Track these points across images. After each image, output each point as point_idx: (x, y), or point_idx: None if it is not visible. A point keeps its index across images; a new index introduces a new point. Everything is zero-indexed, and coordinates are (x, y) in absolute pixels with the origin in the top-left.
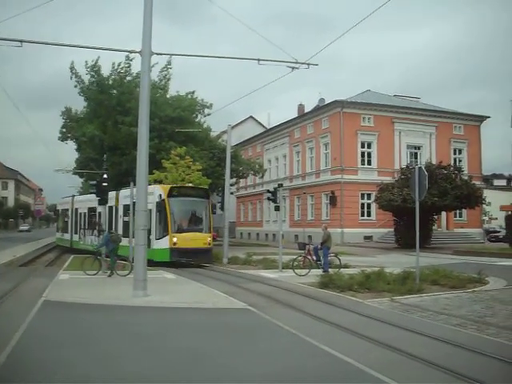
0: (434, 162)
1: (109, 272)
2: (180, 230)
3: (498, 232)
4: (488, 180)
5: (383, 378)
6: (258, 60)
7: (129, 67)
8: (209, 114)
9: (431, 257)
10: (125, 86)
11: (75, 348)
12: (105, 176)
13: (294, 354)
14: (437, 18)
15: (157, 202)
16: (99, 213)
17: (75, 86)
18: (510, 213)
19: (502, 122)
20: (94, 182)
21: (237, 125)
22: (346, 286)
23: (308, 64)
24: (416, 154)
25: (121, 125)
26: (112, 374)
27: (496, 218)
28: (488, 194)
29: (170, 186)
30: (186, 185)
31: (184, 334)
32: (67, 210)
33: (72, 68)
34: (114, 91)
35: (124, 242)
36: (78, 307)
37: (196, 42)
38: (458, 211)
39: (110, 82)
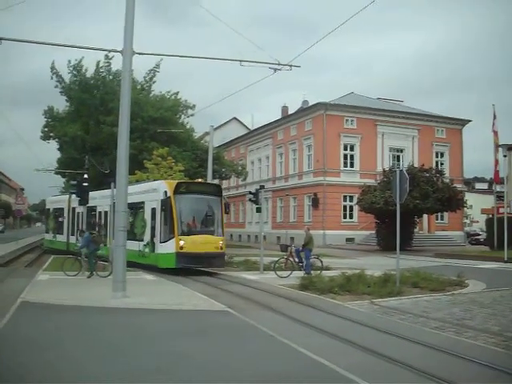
0: (416, 164)
1: (88, 273)
2: (188, 232)
3: (479, 235)
4: (469, 183)
5: (360, 382)
6: (240, 61)
7: (109, 66)
8: (192, 115)
9: (412, 259)
10: (108, 86)
11: (50, 350)
12: (85, 176)
13: (271, 357)
14: (420, 23)
15: (161, 200)
16: (99, 212)
17: (55, 87)
18: (490, 216)
19: (484, 126)
20: (75, 182)
21: (220, 126)
22: (327, 288)
23: (290, 65)
24: (398, 156)
25: (103, 125)
26: (86, 377)
27: (477, 221)
28: (469, 197)
29: (176, 181)
30: (196, 180)
31: (162, 337)
32: (62, 209)
33: (52, 68)
34: (97, 91)
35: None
36: (55, 308)
37: (181, 44)
38: (439, 214)
39: (93, 82)
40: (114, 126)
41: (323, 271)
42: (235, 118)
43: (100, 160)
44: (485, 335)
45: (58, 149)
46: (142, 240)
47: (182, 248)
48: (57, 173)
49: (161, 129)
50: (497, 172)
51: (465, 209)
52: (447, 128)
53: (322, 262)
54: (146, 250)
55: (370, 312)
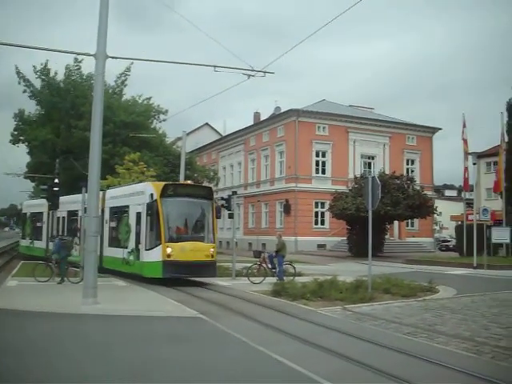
0: (387, 171)
1: (59, 279)
2: (176, 239)
3: (449, 241)
4: (439, 190)
5: None
6: (214, 67)
7: (78, 69)
8: (164, 120)
9: (383, 265)
10: (79, 90)
11: (16, 357)
12: (56, 181)
13: (246, 364)
14: (391, 32)
15: (147, 204)
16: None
17: (24, 92)
18: (460, 223)
19: (454, 134)
20: (45, 187)
21: (192, 131)
22: (299, 294)
23: (264, 72)
24: (370, 163)
25: (74, 129)
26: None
27: (447, 228)
28: (439, 204)
29: (163, 183)
30: (185, 182)
31: (133, 343)
32: (41, 213)
33: (18, 72)
34: (68, 95)
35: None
36: (24, 315)
37: (155, 49)
38: (409, 220)
39: (63, 85)
40: (85, 131)
41: (296, 277)
42: (207, 124)
43: (71, 165)
44: (456, 340)
45: (28, 153)
46: (127, 247)
47: (169, 256)
48: (26, 177)
49: (133, 133)
50: (466, 180)
51: (435, 215)
52: (418, 136)
53: (294, 268)
54: (131, 257)
55: (342, 318)
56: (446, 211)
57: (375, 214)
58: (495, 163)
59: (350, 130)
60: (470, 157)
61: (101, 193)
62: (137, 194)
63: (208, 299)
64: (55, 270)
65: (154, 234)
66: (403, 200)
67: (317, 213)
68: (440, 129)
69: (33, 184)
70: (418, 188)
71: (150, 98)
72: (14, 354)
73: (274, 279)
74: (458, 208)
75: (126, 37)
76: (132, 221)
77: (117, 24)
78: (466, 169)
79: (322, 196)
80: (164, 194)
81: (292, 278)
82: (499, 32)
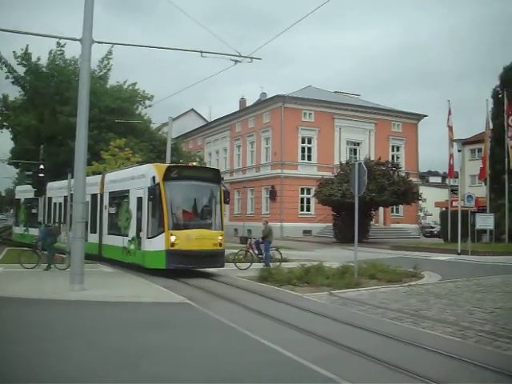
0: (372, 158)
1: (46, 266)
2: (181, 226)
3: (433, 228)
4: (424, 177)
5: (323, 372)
6: (201, 52)
7: (61, 54)
8: (150, 106)
9: (369, 251)
10: (64, 75)
11: (1, 345)
12: (41, 167)
13: (234, 349)
14: (378, 19)
15: (149, 188)
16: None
17: (6, 78)
18: (444, 209)
19: (439, 121)
20: (30, 173)
21: (178, 117)
22: (286, 280)
23: (251, 58)
24: (355, 150)
25: (59, 114)
26: (40, 373)
27: (431, 214)
28: (423, 191)
29: (167, 164)
30: (190, 164)
31: (120, 330)
32: (36, 199)
33: (0, 58)
34: (52, 80)
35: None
36: (9, 301)
37: (141, 34)
38: (394, 207)
39: (45, 70)
40: (70, 116)
41: (282, 263)
42: (193, 110)
43: (55, 151)
44: (442, 325)
45: (12, 138)
46: (127, 235)
47: (173, 245)
48: (10, 163)
49: (118, 119)
50: (451, 166)
51: (419, 202)
52: (403, 122)
53: (281, 254)
54: (131, 246)
55: (329, 303)
56: (430, 198)
57: (361, 200)
58: (479, 150)
59: (336, 117)
60: (455, 144)
61: (99, 177)
62: (138, 177)
63: (195, 285)
64: (42, 257)
65: (156, 220)
66: (388, 186)
67: (302, 199)
68: (425, 116)
69: (17, 170)
70: (403, 174)
71: (135, 84)
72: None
73: (260, 265)
74: (442, 194)
75: (110, 21)
76: (133, 206)
77: (101, 8)
78: (451, 155)
79: (308, 182)
80: (167, 176)
81: (278, 263)
82: (487, 20)
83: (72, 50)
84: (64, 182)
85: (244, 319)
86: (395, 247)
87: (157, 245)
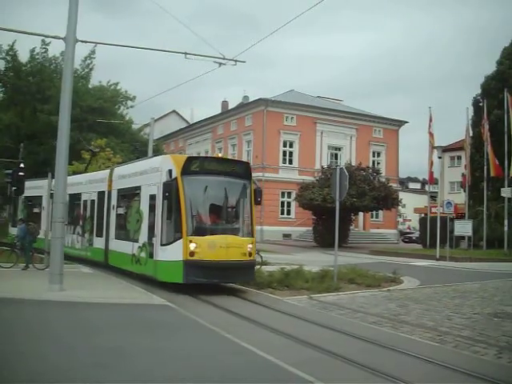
0: (353, 163)
1: (24, 265)
2: (202, 231)
3: (412, 233)
4: (403, 183)
5: (303, 375)
6: (185, 54)
7: (45, 52)
8: (132, 107)
9: (348, 256)
10: (45, 73)
11: None
12: (21, 165)
13: (215, 352)
14: (364, 25)
15: (164, 184)
16: (85, 201)
17: None
18: (423, 215)
19: (417, 128)
20: (10, 171)
21: (159, 118)
22: (266, 283)
23: (235, 60)
24: (336, 154)
25: (40, 113)
26: (16, 374)
27: (410, 220)
28: (403, 197)
29: (186, 155)
30: (214, 155)
31: (100, 331)
32: (39, 197)
33: None
34: (33, 78)
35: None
36: None
37: (125, 35)
38: (374, 212)
39: (27, 68)
40: (51, 115)
41: (262, 266)
42: (174, 111)
43: (36, 149)
44: (420, 330)
45: None
46: (137, 240)
47: (192, 254)
48: None
49: (99, 119)
50: (431, 173)
51: (399, 207)
52: (384, 128)
53: (261, 257)
54: (142, 254)
55: (309, 307)
56: (410, 203)
57: (341, 204)
58: (459, 157)
59: (318, 121)
60: (435, 150)
61: (107, 172)
62: (151, 170)
63: (174, 287)
64: (20, 256)
65: (172, 223)
66: (369, 192)
67: (283, 202)
68: (406, 122)
69: None
70: (384, 180)
71: (117, 84)
72: None
73: None
74: (421, 200)
75: (94, 21)
76: (144, 206)
77: (86, 7)
78: (431, 162)
79: (289, 186)
80: (186, 170)
81: (259, 266)
82: (467, 27)
83: (54, 49)
84: (75, 177)
85: (224, 322)
86: (374, 252)
87: (172, 254)
